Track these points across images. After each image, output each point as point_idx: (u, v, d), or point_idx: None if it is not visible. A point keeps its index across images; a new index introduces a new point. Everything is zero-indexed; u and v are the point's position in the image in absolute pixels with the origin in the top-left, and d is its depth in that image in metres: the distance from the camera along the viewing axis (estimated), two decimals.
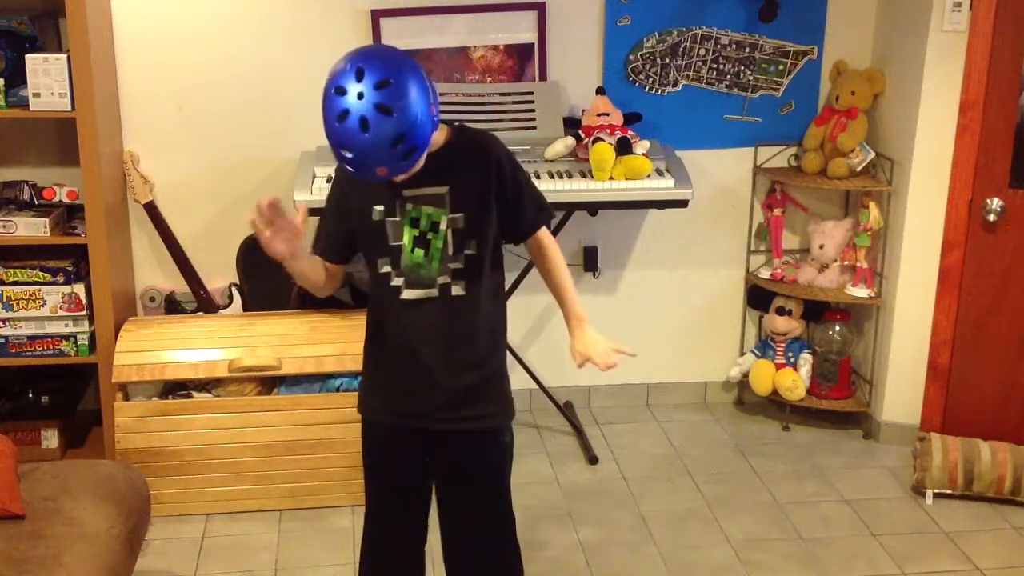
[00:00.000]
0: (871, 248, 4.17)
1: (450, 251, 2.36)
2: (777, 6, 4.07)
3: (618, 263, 4.36)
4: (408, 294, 2.39)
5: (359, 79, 2.11)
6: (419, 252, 2.35)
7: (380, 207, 2.36)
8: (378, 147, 2.12)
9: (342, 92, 2.11)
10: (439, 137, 2.31)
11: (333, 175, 2.53)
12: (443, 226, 2.34)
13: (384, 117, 2.10)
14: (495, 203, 2.38)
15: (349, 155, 2.14)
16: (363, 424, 2.58)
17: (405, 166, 2.20)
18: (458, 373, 2.42)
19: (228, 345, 3.66)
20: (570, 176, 3.80)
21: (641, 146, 3.85)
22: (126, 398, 3.61)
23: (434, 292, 2.38)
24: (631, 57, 4.12)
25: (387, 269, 2.39)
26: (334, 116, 2.12)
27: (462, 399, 2.44)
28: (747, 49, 4.16)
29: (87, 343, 3.73)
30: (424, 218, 2.34)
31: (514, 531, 2.62)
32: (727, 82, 4.20)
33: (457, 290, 2.38)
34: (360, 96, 2.10)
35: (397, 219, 2.35)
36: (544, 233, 2.52)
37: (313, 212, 2.45)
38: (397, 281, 2.39)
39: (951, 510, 3.72)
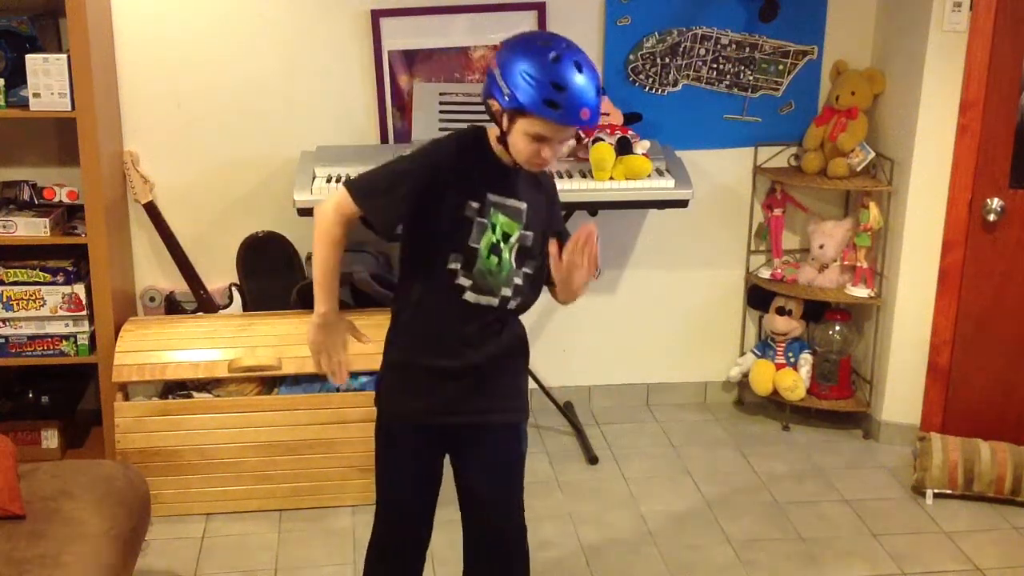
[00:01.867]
0: (871, 248, 4.17)
1: (515, 265, 2.40)
2: (777, 6, 4.07)
3: (618, 263, 4.36)
4: (471, 296, 2.39)
5: (556, 37, 2.30)
6: (494, 259, 2.37)
7: (476, 204, 2.34)
8: (590, 88, 2.24)
9: (547, 44, 2.26)
10: None
11: (428, 152, 2.37)
12: (513, 239, 2.38)
13: (592, 66, 2.28)
14: (550, 226, 2.49)
15: (562, 94, 2.22)
16: (381, 419, 2.55)
17: (595, 120, 2.31)
18: (493, 375, 2.47)
19: (228, 345, 3.66)
20: (570, 176, 3.80)
21: (641, 146, 3.85)
22: (126, 398, 3.61)
23: (495, 301, 2.41)
24: (631, 57, 4.12)
25: (456, 266, 2.37)
26: (546, 59, 2.23)
27: (495, 397, 2.49)
28: (747, 49, 4.16)
29: (87, 343, 3.73)
30: (500, 226, 2.37)
31: (525, 537, 2.64)
32: (727, 82, 4.20)
33: (513, 304, 2.43)
34: (568, 47, 2.26)
35: (485, 221, 2.35)
36: None
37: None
38: (463, 281, 2.38)
39: (951, 510, 3.72)
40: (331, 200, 2.36)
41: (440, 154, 2.38)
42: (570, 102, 2.23)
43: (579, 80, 2.23)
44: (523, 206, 2.39)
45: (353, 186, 2.35)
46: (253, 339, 3.68)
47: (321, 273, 2.39)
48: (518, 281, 2.41)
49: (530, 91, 2.23)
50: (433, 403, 2.47)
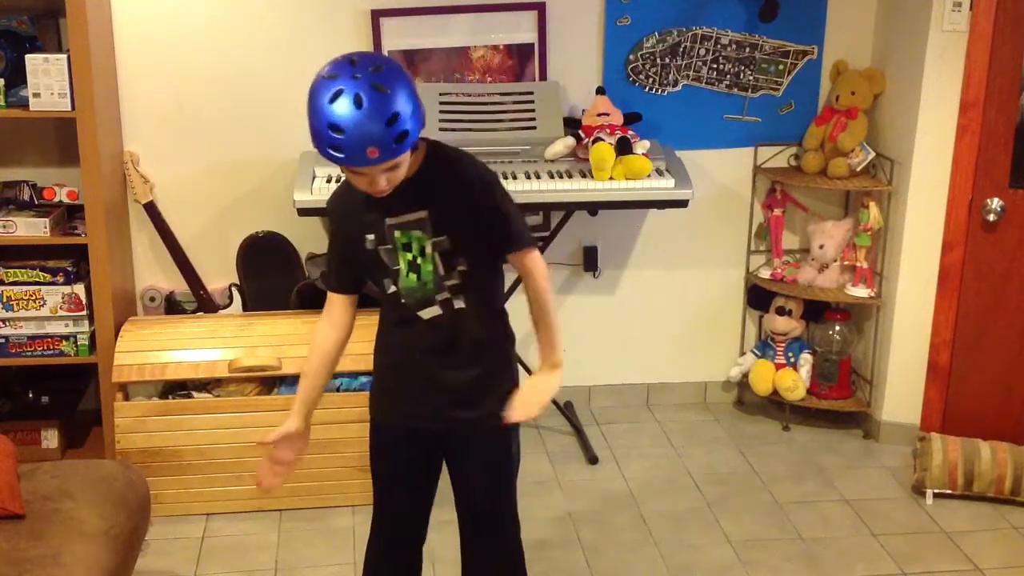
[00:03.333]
0: (871, 248, 4.17)
1: (442, 271, 2.36)
2: (777, 6, 4.07)
3: (618, 263, 4.36)
4: (423, 313, 2.40)
5: (352, 65, 2.12)
6: (413, 276, 2.36)
7: (371, 236, 2.35)
8: (373, 124, 2.09)
9: (335, 76, 2.11)
10: (415, 161, 2.29)
11: (329, 213, 2.54)
12: (429, 250, 2.34)
13: (379, 95, 2.09)
14: (476, 222, 2.36)
15: (341, 137, 2.10)
16: (372, 426, 2.58)
17: (396, 150, 2.15)
18: (468, 378, 2.44)
19: (228, 345, 3.66)
20: (570, 176, 3.80)
21: (641, 146, 3.85)
22: (126, 398, 3.61)
23: (437, 309, 2.39)
24: (631, 57, 4.12)
25: (394, 289, 2.39)
26: (326, 99, 2.10)
27: (471, 399, 2.46)
28: (747, 49, 4.16)
29: (87, 343, 3.73)
30: (415, 243, 2.34)
31: (518, 535, 2.63)
32: (727, 82, 4.20)
33: (459, 303, 2.39)
34: (354, 77, 2.10)
35: (389, 247, 2.35)
36: (530, 258, 2.41)
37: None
38: (406, 300, 2.40)
39: (951, 510, 3.72)
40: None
41: (331, 215, 2.52)
42: (350, 144, 2.11)
43: (358, 117, 2.07)
44: (423, 214, 2.32)
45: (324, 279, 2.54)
46: (253, 339, 3.68)
47: (302, 376, 2.54)
48: (454, 281, 2.36)
49: (315, 139, 2.16)
50: (416, 409, 2.48)
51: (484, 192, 2.35)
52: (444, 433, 2.51)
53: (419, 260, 2.34)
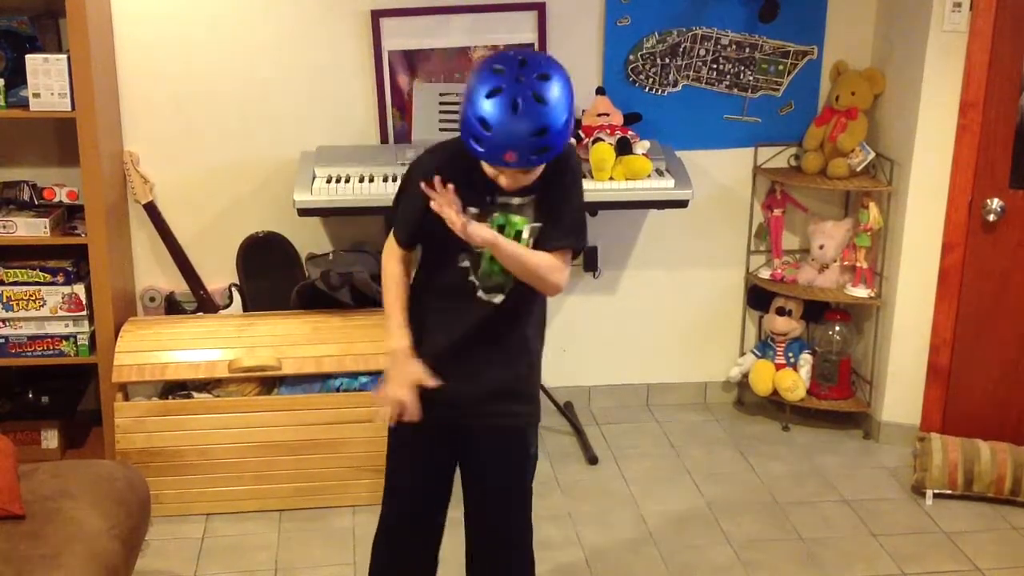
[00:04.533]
0: (871, 248, 4.17)
1: None
2: (777, 6, 4.07)
3: (618, 263, 4.36)
4: (482, 294, 2.40)
5: (521, 66, 2.14)
6: (497, 266, 2.36)
7: (475, 210, 2.33)
8: (520, 132, 2.13)
9: (500, 71, 2.14)
10: None
11: (423, 170, 2.38)
12: (526, 235, 2.35)
13: (536, 105, 2.13)
14: (565, 211, 2.39)
15: (487, 133, 2.14)
16: (391, 427, 2.56)
17: (534, 161, 2.20)
18: (504, 372, 2.46)
19: (228, 345, 3.66)
20: None
21: (641, 146, 3.85)
22: (126, 398, 3.61)
23: (503, 296, 2.40)
24: (631, 57, 4.12)
25: (466, 264, 2.39)
26: (484, 91, 2.13)
27: (498, 397, 2.47)
28: (747, 49, 4.16)
29: (87, 343, 3.73)
30: (510, 227, 2.34)
31: (531, 538, 2.63)
32: (727, 82, 4.20)
33: (522, 296, 2.41)
34: (519, 80, 2.12)
35: (486, 223, 2.34)
36: (561, 255, 2.41)
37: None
38: (475, 279, 2.40)
39: (951, 510, 3.72)
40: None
41: (433, 166, 2.37)
42: (492, 143, 2.14)
43: (508, 120, 2.12)
44: (531, 198, 2.35)
45: (390, 223, 2.51)
46: (253, 339, 3.68)
47: (386, 304, 2.48)
48: None
49: (463, 123, 2.19)
50: (435, 395, 2.47)
51: (577, 183, 2.41)
52: (458, 426, 2.50)
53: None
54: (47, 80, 3.47)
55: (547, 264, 2.37)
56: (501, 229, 2.34)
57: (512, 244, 2.32)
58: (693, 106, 4.20)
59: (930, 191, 3.95)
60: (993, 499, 3.76)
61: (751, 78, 4.20)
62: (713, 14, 4.11)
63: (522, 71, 2.14)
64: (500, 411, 2.49)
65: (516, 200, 2.34)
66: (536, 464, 2.63)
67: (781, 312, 4.32)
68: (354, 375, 3.64)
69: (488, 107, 2.13)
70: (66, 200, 3.73)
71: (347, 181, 3.68)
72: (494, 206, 2.35)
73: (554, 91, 2.15)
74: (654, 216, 4.27)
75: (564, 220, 2.41)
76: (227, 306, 3.95)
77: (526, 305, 2.45)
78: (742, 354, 4.48)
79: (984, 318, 3.98)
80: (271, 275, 3.96)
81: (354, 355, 3.59)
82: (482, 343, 2.43)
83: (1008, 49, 3.76)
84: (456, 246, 2.36)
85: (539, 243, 2.41)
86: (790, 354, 4.34)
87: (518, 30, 4.04)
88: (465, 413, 2.49)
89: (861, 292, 4.17)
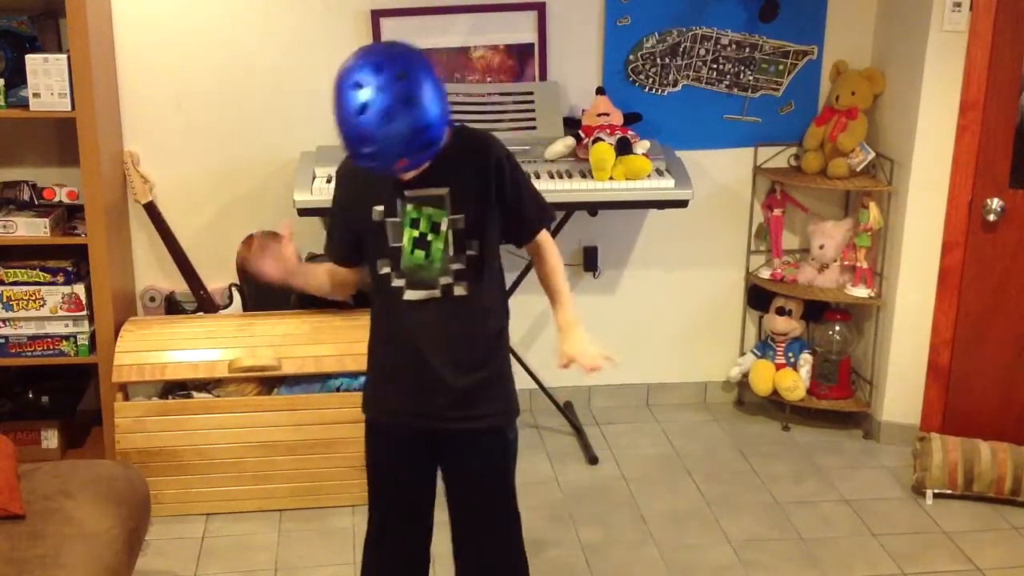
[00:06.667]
0: (871, 248, 4.17)
1: (451, 252, 2.35)
2: (777, 6, 4.07)
3: (618, 263, 4.36)
4: (410, 295, 2.38)
5: (377, 72, 2.12)
6: (419, 253, 2.35)
7: (380, 207, 2.35)
8: (401, 138, 2.12)
9: (359, 87, 2.12)
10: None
11: (334, 176, 2.50)
12: (444, 227, 2.34)
13: (406, 108, 2.12)
14: (496, 204, 2.38)
15: (369, 149, 2.14)
16: (367, 425, 2.58)
17: (423, 158, 2.21)
18: (462, 373, 2.42)
19: (228, 345, 3.66)
20: (570, 176, 3.80)
21: (641, 146, 3.85)
22: (126, 398, 3.61)
23: (436, 293, 2.38)
24: (631, 57, 4.12)
25: (386, 270, 2.39)
26: (352, 111, 2.12)
27: (466, 399, 2.44)
28: (747, 49, 4.16)
29: (87, 343, 3.73)
30: (424, 219, 2.34)
31: (520, 531, 2.62)
32: (727, 82, 4.20)
33: (460, 290, 2.38)
34: (380, 89, 2.11)
35: (397, 220, 2.35)
36: (544, 235, 2.51)
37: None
38: (398, 282, 2.39)
39: (951, 510, 3.72)
40: None
41: (339, 180, 2.48)
42: (381, 155, 2.15)
43: (389, 131, 2.11)
44: (444, 191, 2.33)
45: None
46: (253, 339, 3.68)
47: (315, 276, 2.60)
48: (459, 266, 2.37)
49: (346, 144, 2.22)
50: (406, 404, 2.47)
51: (510, 168, 2.39)
52: (435, 432, 2.49)
53: (430, 237, 2.34)
54: (47, 80, 3.47)
55: (560, 265, 2.53)
56: (416, 222, 2.33)
57: (571, 300, 2.51)
58: (693, 106, 4.20)
59: (930, 191, 3.95)
60: (993, 499, 3.76)
61: (751, 78, 4.20)
62: (713, 14, 4.11)
63: (380, 78, 2.12)
64: (472, 415, 2.45)
65: (429, 192, 2.33)
66: (517, 448, 2.57)
67: (781, 312, 4.32)
68: (354, 375, 3.64)
69: (363, 127, 2.12)
70: (66, 200, 3.73)
71: None
72: (403, 200, 2.33)
73: (419, 86, 2.14)
74: (654, 216, 4.27)
75: (528, 206, 2.45)
76: (227, 306, 3.95)
77: (470, 299, 2.39)
78: (742, 354, 4.48)
79: (984, 318, 3.98)
80: None
81: (354, 355, 3.59)
82: (435, 348, 2.39)
83: (1008, 49, 3.76)
84: (373, 253, 2.39)
85: (519, 235, 2.47)
86: (790, 354, 4.34)
87: (518, 30, 4.04)
88: (434, 421, 2.46)
89: (861, 292, 4.17)
